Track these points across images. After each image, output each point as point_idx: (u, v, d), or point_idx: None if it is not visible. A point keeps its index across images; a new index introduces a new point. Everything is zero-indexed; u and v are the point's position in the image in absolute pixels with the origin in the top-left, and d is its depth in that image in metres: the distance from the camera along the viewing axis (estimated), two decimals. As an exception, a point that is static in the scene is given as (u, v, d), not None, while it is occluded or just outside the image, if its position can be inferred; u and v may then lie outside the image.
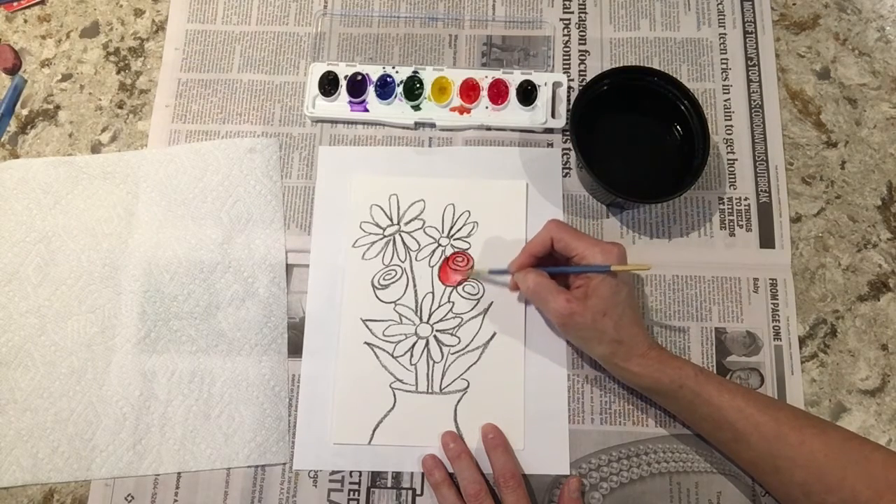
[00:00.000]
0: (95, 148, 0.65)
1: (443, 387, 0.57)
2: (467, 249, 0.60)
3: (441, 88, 0.63)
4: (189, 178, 0.62)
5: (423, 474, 0.55)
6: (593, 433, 0.56)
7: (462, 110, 0.63)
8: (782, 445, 0.48)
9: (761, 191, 0.62)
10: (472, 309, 0.59)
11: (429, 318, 0.59)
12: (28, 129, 0.65)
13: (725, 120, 0.64)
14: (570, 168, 0.63)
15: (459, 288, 0.60)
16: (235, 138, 0.64)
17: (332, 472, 0.56)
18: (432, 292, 0.60)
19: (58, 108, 0.66)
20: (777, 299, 0.59)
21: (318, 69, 0.64)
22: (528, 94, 0.63)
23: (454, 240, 0.61)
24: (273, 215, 0.62)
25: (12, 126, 0.65)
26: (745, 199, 0.62)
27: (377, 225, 0.61)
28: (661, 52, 0.66)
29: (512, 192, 0.62)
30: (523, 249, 0.56)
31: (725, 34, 0.66)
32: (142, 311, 0.59)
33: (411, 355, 0.58)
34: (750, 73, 0.65)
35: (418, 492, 0.56)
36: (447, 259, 0.60)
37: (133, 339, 0.59)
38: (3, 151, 0.65)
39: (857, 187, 0.62)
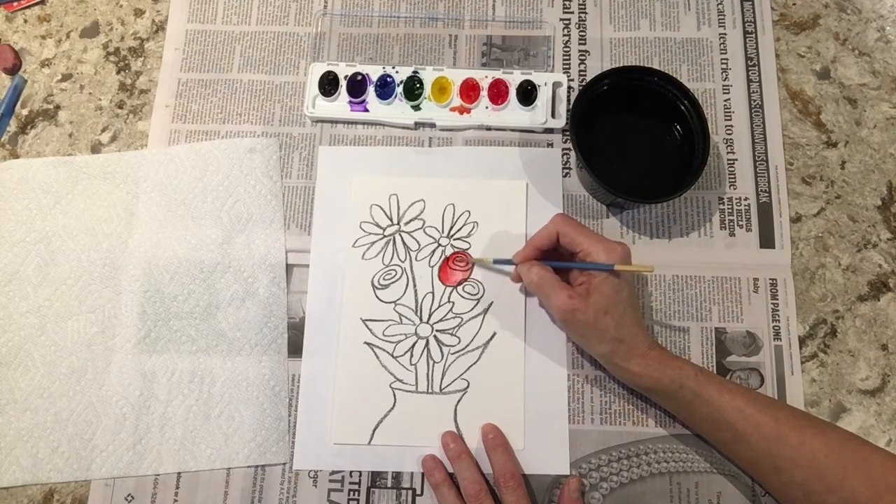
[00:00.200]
0: (95, 148, 0.65)
1: (443, 387, 0.57)
2: (467, 249, 0.60)
3: (441, 88, 0.63)
4: (189, 178, 0.62)
5: (423, 474, 0.55)
6: (593, 433, 0.56)
7: (462, 110, 0.63)
8: (782, 446, 0.48)
9: (761, 191, 0.62)
10: (472, 309, 0.59)
11: (429, 318, 0.59)
12: (28, 129, 0.65)
13: (725, 120, 0.64)
14: (570, 168, 0.63)
15: (459, 288, 0.60)
16: (235, 138, 0.64)
17: (332, 472, 0.56)
18: (432, 292, 0.60)
19: (58, 108, 0.66)
20: (777, 299, 0.59)
21: (318, 69, 0.64)
22: (528, 94, 0.63)
23: (454, 240, 0.61)
24: (273, 215, 0.62)
25: (12, 126, 0.65)
26: (745, 199, 0.62)
27: (377, 225, 0.61)
28: (661, 52, 0.66)
29: (512, 192, 0.62)
30: (528, 242, 0.56)
31: (725, 34, 0.66)
32: (142, 311, 0.59)
33: (411, 355, 0.58)
34: (750, 73, 0.65)
35: (418, 492, 0.56)
36: (447, 259, 0.60)
37: (133, 339, 0.59)
38: (3, 151, 0.65)
39: (857, 187, 0.62)
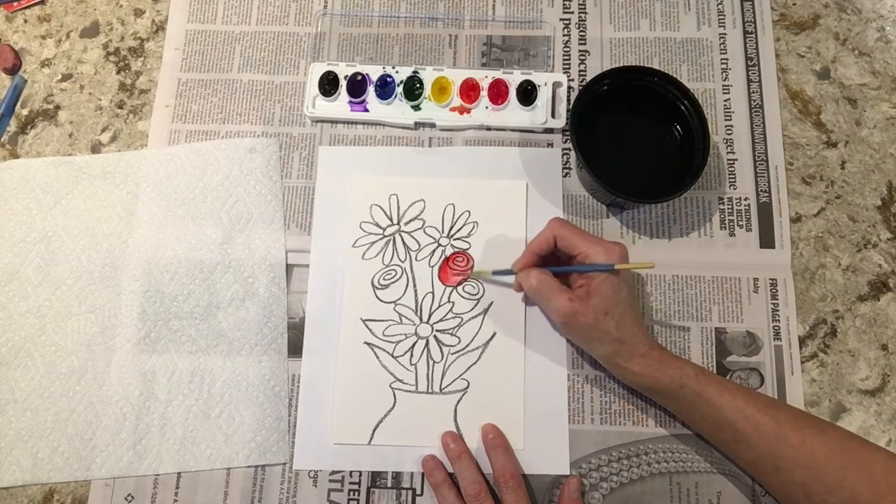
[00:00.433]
0: (95, 148, 0.65)
1: (443, 387, 0.57)
2: (467, 249, 0.60)
3: (441, 88, 0.63)
4: (189, 178, 0.62)
5: (422, 474, 0.55)
6: (593, 433, 0.56)
7: (462, 110, 0.63)
8: (783, 446, 0.48)
9: (761, 191, 0.62)
10: (472, 309, 0.59)
11: (429, 318, 0.59)
12: (28, 129, 0.65)
13: (725, 120, 0.64)
14: (570, 168, 0.63)
15: (459, 288, 0.60)
16: (235, 138, 0.64)
17: (332, 472, 0.56)
18: (432, 292, 0.60)
19: (58, 108, 0.66)
20: (777, 299, 0.59)
21: (318, 69, 0.64)
22: (528, 94, 0.63)
23: (454, 240, 0.61)
24: (273, 215, 0.62)
25: (12, 126, 0.65)
26: (745, 199, 0.62)
27: (377, 225, 0.61)
28: (661, 52, 0.66)
29: (512, 192, 0.62)
30: (526, 248, 0.56)
31: (725, 34, 0.66)
32: (142, 311, 0.59)
33: (411, 355, 0.58)
34: (750, 73, 0.65)
35: (418, 492, 0.56)
36: (447, 259, 0.60)
37: (133, 339, 0.59)
38: (3, 151, 0.65)
39: (857, 187, 0.62)
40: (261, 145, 0.63)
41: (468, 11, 0.67)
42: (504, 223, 0.61)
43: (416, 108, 0.64)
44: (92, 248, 0.61)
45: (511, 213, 0.61)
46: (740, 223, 0.61)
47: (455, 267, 0.60)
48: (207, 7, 0.68)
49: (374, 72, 0.64)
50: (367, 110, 0.64)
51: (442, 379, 0.58)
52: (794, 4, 0.67)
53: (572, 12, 0.67)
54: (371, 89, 0.64)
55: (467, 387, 0.57)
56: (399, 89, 0.64)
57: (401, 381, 0.58)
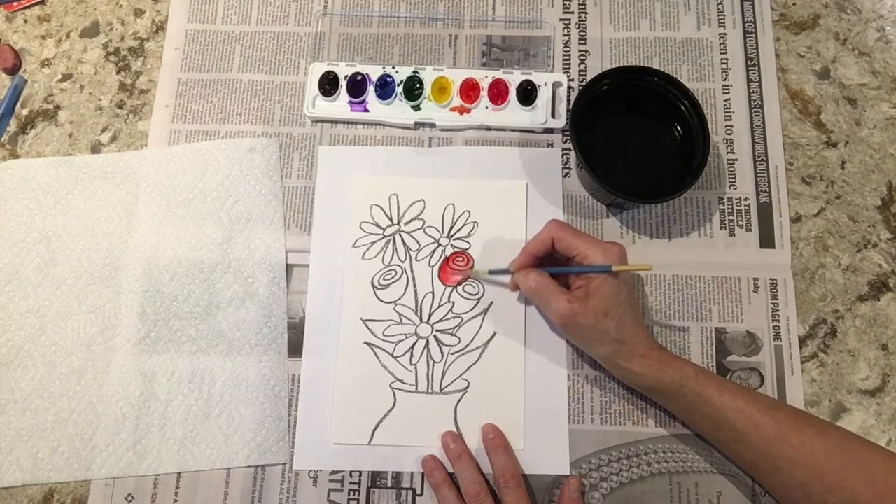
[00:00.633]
0: (95, 148, 0.65)
1: (443, 387, 0.57)
2: (467, 249, 0.60)
3: (441, 88, 0.63)
4: (189, 178, 0.62)
5: (423, 474, 0.55)
6: (593, 433, 0.56)
7: (462, 110, 0.63)
8: (783, 446, 0.48)
9: (761, 191, 0.62)
10: (472, 309, 0.59)
11: (429, 318, 0.59)
12: (28, 129, 0.65)
13: (725, 120, 0.64)
14: (570, 168, 0.63)
15: (459, 288, 0.60)
16: (235, 138, 0.64)
17: (332, 472, 0.56)
18: (432, 292, 0.60)
19: (58, 108, 0.66)
20: (777, 299, 0.59)
21: (318, 69, 0.64)
22: (528, 94, 0.63)
23: (454, 240, 0.61)
24: (273, 215, 0.62)
25: (12, 126, 0.65)
26: (745, 199, 0.62)
27: (377, 225, 0.61)
28: (661, 52, 0.66)
29: (512, 192, 0.62)
30: (524, 249, 0.56)
31: (725, 34, 0.66)
32: (142, 311, 0.59)
33: (411, 355, 0.58)
34: (750, 73, 0.65)
35: (418, 492, 0.56)
36: (447, 259, 0.60)
37: (133, 339, 0.59)
38: (3, 151, 0.65)
39: (857, 187, 0.62)
40: (261, 145, 0.63)
41: (468, 11, 0.67)
42: (504, 223, 0.61)
43: (416, 108, 0.64)
44: (92, 248, 0.61)
45: (511, 213, 0.61)
46: (740, 223, 0.61)
47: (455, 267, 0.60)
48: (207, 7, 0.68)
49: (374, 72, 0.64)
50: (367, 110, 0.64)
51: (442, 379, 0.58)
52: (794, 4, 0.67)
53: (572, 12, 0.67)
54: (371, 89, 0.64)
55: (467, 387, 0.57)
56: (399, 89, 0.64)
57: (401, 381, 0.58)
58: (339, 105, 0.64)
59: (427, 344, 0.58)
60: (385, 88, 0.64)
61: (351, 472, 0.56)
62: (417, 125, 0.64)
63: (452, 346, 0.58)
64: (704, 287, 0.60)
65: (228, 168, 0.63)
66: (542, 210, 0.61)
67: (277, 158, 0.63)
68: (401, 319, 0.59)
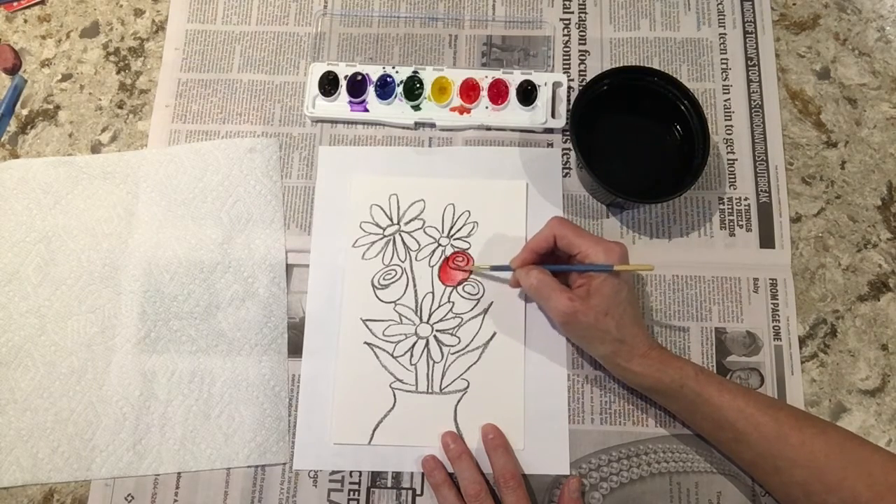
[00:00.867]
0: (95, 148, 0.65)
1: (443, 387, 0.57)
2: (467, 249, 0.60)
3: (441, 88, 0.63)
4: (189, 178, 0.62)
5: (423, 474, 0.55)
6: (593, 433, 0.56)
7: (462, 110, 0.63)
8: (783, 446, 0.48)
9: (761, 191, 0.62)
10: (472, 309, 0.59)
11: (429, 318, 0.59)
12: (28, 129, 0.65)
13: (725, 120, 0.64)
14: (570, 168, 0.63)
15: (459, 288, 0.60)
16: (235, 138, 0.64)
17: (332, 472, 0.56)
18: (432, 292, 0.60)
19: (58, 108, 0.66)
20: (777, 299, 0.59)
21: (318, 69, 0.64)
22: (528, 94, 0.63)
23: (454, 240, 0.61)
24: (273, 215, 0.62)
25: (12, 126, 0.65)
26: (745, 199, 0.62)
27: (377, 225, 0.61)
28: (661, 52, 0.66)
29: (512, 192, 0.62)
30: (526, 246, 0.56)
31: (725, 34, 0.66)
32: (142, 311, 0.59)
33: (411, 355, 0.58)
34: (750, 73, 0.65)
35: (418, 492, 0.56)
36: (447, 259, 0.60)
37: (133, 339, 0.59)
38: (3, 151, 0.65)
39: (857, 187, 0.62)
40: (261, 145, 0.63)
41: (468, 11, 0.67)
42: (504, 223, 0.61)
43: (416, 108, 0.64)
44: (92, 248, 0.61)
45: (511, 213, 0.61)
46: (740, 223, 0.61)
47: (455, 267, 0.60)
48: (207, 7, 0.68)
49: (374, 72, 0.64)
50: (367, 110, 0.64)
51: (442, 379, 0.58)
52: (794, 4, 0.67)
53: (572, 12, 0.67)
54: (371, 89, 0.64)
55: (467, 387, 0.57)
56: (399, 89, 0.64)
57: (401, 381, 0.58)
58: (339, 105, 0.64)
59: (427, 344, 0.58)
60: (385, 88, 0.64)
61: (351, 472, 0.56)
62: (417, 125, 0.64)
63: (452, 346, 0.58)
64: (704, 287, 0.60)
65: (228, 168, 0.63)
66: (542, 210, 0.61)
67: (277, 158, 0.63)
68: (401, 319, 0.59)
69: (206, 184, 0.62)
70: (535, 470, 0.55)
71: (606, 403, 0.57)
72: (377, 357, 0.58)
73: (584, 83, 0.63)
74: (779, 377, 0.58)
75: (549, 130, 0.64)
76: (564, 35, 0.66)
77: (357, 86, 0.64)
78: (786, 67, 0.65)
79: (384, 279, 0.60)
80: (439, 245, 0.61)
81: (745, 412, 0.49)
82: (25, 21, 0.69)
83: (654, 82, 0.60)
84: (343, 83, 0.64)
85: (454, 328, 0.59)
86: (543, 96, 0.63)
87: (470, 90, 0.63)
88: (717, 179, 0.62)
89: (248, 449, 0.56)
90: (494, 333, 0.58)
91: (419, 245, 0.61)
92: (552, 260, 0.56)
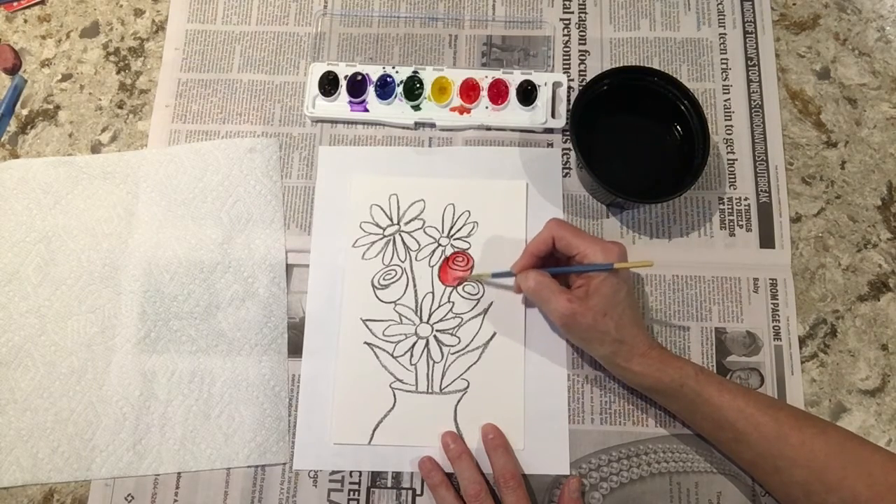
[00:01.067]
0: (95, 148, 0.65)
1: (443, 387, 0.57)
2: (467, 249, 0.60)
3: (441, 88, 0.63)
4: (189, 178, 0.62)
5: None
6: (593, 433, 0.56)
7: (462, 110, 0.63)
8: (783, 445, 0.48)
9: (761, 191, 0.62)
10: (472, 309, 0.59)
11: (429, 318, 0.59)
12: (28, 129, 0.65)
13: (725, 120, 0.64)
14: (570, 168, 0.63)
15: (459, 288, 0.60)
16: (235, 138, 0.64)
17: (332, 472, 0.56)
18: (432, 292, 0.60)
19: (58, 108, 0.66)
20: (777, 299, 0.59)
21: (318, 69, 0.64)
22: (528, 94, 0.63)
23: (454, 240, 0.61)
24: (273, 215, 0.62)
25: (12, 126, 0.65)
26: (745, 199, 0.62)
27: (377, 225, 0.61)
28: (661, 52, 0.66)
29: (512, 192, 0.62)
30: (525, 250, 0.56)
31: (725, 34, 0.66)
32: (142, 311, 0.59)
33: (411, 355, 0.58)
34: (750, 73, 0.65)
35: (418, 492, 0.56)
36: (447, 259, 0.60)
37: (133, 339, 0.59)
38: (3, 151, 0.65)
39: (857, 187, 0.62)
40: (261, 145, 0.63)
41: (468, 11, 0.67)
42: (504, 223, 0.61)
43: (416, 108, 0.64)
44: (92, 248, 0.61)
45: (511, 213, 0.61)
46: (740, 223, 0.61)
47: (455, 267, 0.60)
48: (207, 7, 0.68)
49: (374, 72, 0.64)
50: (367, 110, 0.64)
51: (442, 379, 0.58)
52: (794, 4, 0.67)
53: (572, 12, 0.67)
54: (371, 89, 0.64)
55: (467, 387, 0.57)
56: (399, 89, 0.64)
57: (401, 381, 0.58)
58: (339, 105, 0.64)
59: (427, 344, 0.58)
60: (385, 88, 0.64)
61: (351, 472, 0.56)
62: (417, 125, 0.64)
63: (452, 346, 0.58)
64: (704, 287, 0.60)
65: (228, 168, 0.63)
66: (542, 210, 0.61)
67: (277, 158, 0.63)
68: (401, 319, 0.59)
69: (206, 184, 0.62)
70: (535, 470, 0.55)
71: (606, 403, 0.57)
72: (377, 357, 0.58)
73: (584, 83, 0.63)
74: (779, 377, 0.58)
75: (549, 130, 0.64)
76: (564, 35, 0.67)
77: (357, 86, 0.64)
78: (786, 67, 0.65)
79: (384, 279, 0.60)
80: (439, 245, 0.61)
81: (745, 412, 0.49)
82: (25, 21, 0.69)
83: (654, 82, 0.60)
84: (343, 83, 0.64)
85: (454, 328, 0.59)
86: (543, 96, 0.63)
87: (470, 90, 0.63)
88: (717, 179, 0.62)
89: (248, 449, 0.56)
90: (494, 333, 0.58)
91: (419, 245, 0.61)
92: (553, 262, 0.56)
